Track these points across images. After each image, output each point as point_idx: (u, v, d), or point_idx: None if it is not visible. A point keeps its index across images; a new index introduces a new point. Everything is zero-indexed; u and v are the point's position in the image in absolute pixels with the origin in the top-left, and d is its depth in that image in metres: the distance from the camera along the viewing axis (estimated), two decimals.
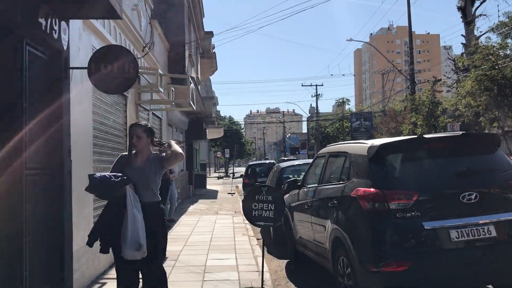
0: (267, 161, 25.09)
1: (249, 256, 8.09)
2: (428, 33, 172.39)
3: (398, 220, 4.39)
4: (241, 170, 55.43)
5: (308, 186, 6.83)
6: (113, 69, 5.27)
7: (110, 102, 8.04)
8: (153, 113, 12.20)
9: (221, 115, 67.49)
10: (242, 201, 6.00)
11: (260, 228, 6.87)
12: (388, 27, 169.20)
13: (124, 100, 9.05)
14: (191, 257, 7.97)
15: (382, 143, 4.89)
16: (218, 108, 65.03)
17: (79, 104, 6.00)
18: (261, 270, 6.34)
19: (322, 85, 59.42)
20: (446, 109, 25.63)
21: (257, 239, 10.22)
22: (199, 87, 21.38)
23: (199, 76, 25.02)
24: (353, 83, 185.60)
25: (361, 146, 5.21)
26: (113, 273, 6.84)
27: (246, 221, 12.93)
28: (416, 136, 4.90)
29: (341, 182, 5.40)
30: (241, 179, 29.09)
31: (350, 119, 51.33)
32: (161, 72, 9.41)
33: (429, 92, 25.13)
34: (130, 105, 9.45)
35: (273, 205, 5.67)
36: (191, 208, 17.00)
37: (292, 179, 7.69)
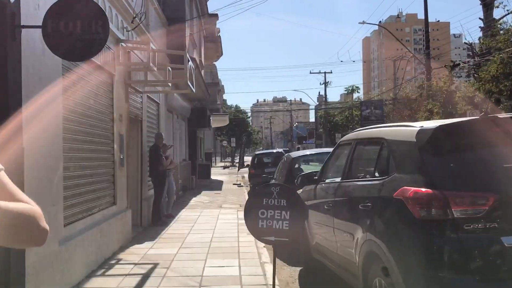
0: (275, 150, 23.81)
1: (255, 262, 6.84)
2: (438, 21, 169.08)
3: (466, 234, 3.10)
4: (248, 159, 54.26)
5: (328, 181, 5.55)
6: (76, 28, 3.98)
7: (91, 80, 6.76)
8: (148, 97, 10.93)
9: (228, 104, 66.14)
10: (245, 207, 4.77)
11: None
12: (397, 15, 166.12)
13: (109, 79, 7.77)
14: (186, 264, 6.73)
15: (438, 125, 3.57)
16: (224, 97, 63.70)
17: (40, 79, 4.73)
18: (272, 283, 5.09)
19: (331, 72, 57.41)
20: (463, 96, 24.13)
21: None
22: (202, 71, 20.05)
23: (202, 60, 23.67)
24: (361, 71, 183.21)
25: (406, 130, 3.90)
26: (91, 284, 5.64)
27: None
28: (485, 116, 3.57)
29: (376, 177, 4.11)
30: (247, 169, 27.88)
31: (360, 107, 49.87)
32: (153, 47, 8.13)
33: (447, 77, 23.64)
34: (118, 85, 8.17)
35: (288, 212, 4.35)
36: (193, 200, 15.78)
37: (306, 172, 6.35)
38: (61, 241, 5.22)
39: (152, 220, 10.32)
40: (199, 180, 22.59)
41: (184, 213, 12.36)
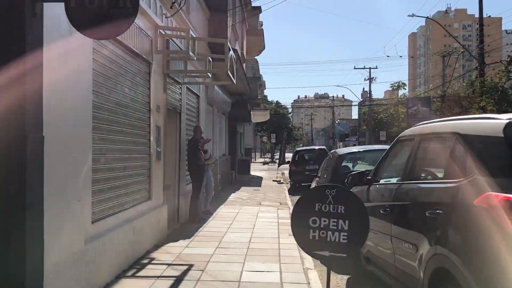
0: (317, 147, 23.08)
1: (297, 268, 6.24)
2: (489, 16, 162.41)
3: None
4: (289, 156, 53.51)
5: (383, 181, 4.89)
6: (102, 2, 3.51)
7: (126, 67, 6.35)
8: (188, 88, 10.51)
9: (268, 100, 65.49)
10: (292, 213, 4.15)
11: None
12: (446, 10, 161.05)
13: (146, 67, 7.35)
14: (223, 267, 6.23)
15: None
16: (265, 93, 63.10)
17: (65, 62, 4.31)
18: None
19: (376, 67, 55.99)
20: None
21: None
22: (244, 65, 19.58)
23: (244, 53, 23.20)
24: (407, 68, 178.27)
25: (489, 123, 3.22)
26: (119, 286, 5.23)
27: None
28: None
29: (448, 180, 3.44)
30: (286, 166, 27.26)
31: (406, 104, 48.13)
32: (193, 35, 7.65)
33: (503, 73, 22.17)
34: (156, 75, 7.75)
35: (347, 221, 3.67)
36: (232, 196, 15.34)
37: (357, 171, 5.68)
38: (88, 239, 4.81)
39: (190, 217, 9.91)
40: (239, 175, 22.19)
41: (222, 210, 11.91)
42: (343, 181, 7.57)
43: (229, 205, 12.98)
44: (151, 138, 7.46)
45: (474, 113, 23.54)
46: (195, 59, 7.82)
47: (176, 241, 7.85)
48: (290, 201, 14.44)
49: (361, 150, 8.23)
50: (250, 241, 7.95)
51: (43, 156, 3.73)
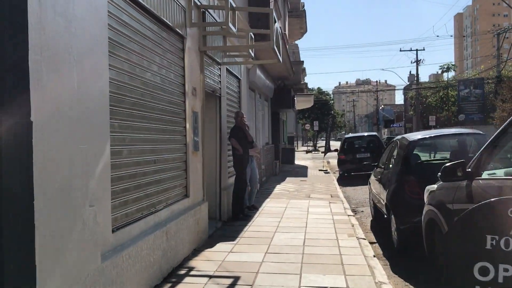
0: (366, 134, 21.56)
1: (368, 282, 5.03)
2: None
3: None
4: (332, 144, 51.72)
5: (497, 176, 3.61)
6: None
7: (155, 41, 5.28)
8: (228, 70, 9.41)
9: (309, 87, 63.61)
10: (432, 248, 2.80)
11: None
12: None
13: (179, 42, 6.27)
14: (275, 280, 5.10)
15: None
16: (305, 79, 61.29)
17: (66, 28, 3.26)
18: None
19: (424, 49, 52.96)
20: None
21: (370, 242, 7.14)
22: (287, 46, 18.30)
23: (287, 35, 21.89)
24: (452, 50, 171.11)
25: None
26: None
27: (349, 212, 9.89)
28: None
29: None
30: (332, 154, 25.88)
31: (457, 87, 45.40)
32: (232, 3, 6.50)
33: None
34: (191, 51, 6.66)
35: None
36: (278, 188, 14.21)
37: (452, 162, 4.34)
38: (107, 253, 3.79)
39: (233, 213, 8.85)
40: (282, 165, 21.03)
41: (268, 204, 10.79)
42: (417, 174, 6.29)
43: (276, 199, 11.85)
44: (187, 125, 6.40)
45: None
46: (235, 32, 6.68)
47: (218, 244, 6.80)
48: (341, 193, 13.18)
49: (437, 134, 6.82)
50: (305, 243, 6.79)
51: (31, 150, 2.69)
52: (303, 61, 24.86)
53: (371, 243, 7.15)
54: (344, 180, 17.16)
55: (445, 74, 59.35)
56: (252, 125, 13.54)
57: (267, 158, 16.36)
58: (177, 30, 6.05)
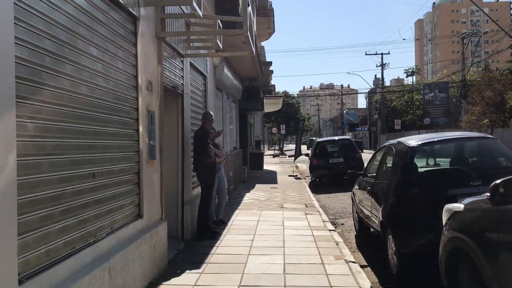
0: (337, 138, 20.65)
1: None
2: (497, 0, 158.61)
3: None
4: (293, 147, 50.73)
5: None
6: None
7: (95, 15, 4.00)
8: (192, 66, 8.16)
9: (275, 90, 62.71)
10: None
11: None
12: None
13: (131, 25, 5.00)
14: None
15: None
16: (272, 82, 60.33)
17: None
18: None
19: (389, 53, 53.01)
20: None
21: (361, 266, 6.03)
22: (257, 44, 17.17)
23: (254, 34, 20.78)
24: (413, 55, 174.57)
25: None
26: None
27: (330, 225, 8.79)
28: None
29: None
30: (302, 158, 24.89)
31: (422, 90, 45.43)
32: None
33: None
34: (146, 38, 5.40)
35: None
36: (247, 197, 13.01)
37: (506, 178, 3.19)
38: None
39: (198, 231, 7.59)
40: (251, 171, 19.85)
41: (238, 218, 9.57)
42: (421, 187, 5.23)
43: (246, 210, 10.64)
44: (140, 127, 5.13)
45: None
46: (200, 15, 5.45)
47: (180, 274, 5.53)
48: (316, 202, 12.10)
49: (441, 139, 5.74)
50: (285, 271, 5.60)
51: None
52: (271, 62, 23.78)
53: (362, 266, 6.04)
54: (317, 187, 16.12)
55: (410, 78, 59.81)
56: (220, 128, 12.31)
57: (235, 164, 15.15)
58: (127, 7, 4.78)
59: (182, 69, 7.32)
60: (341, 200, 12.73)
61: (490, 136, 5.77)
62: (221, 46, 7.40)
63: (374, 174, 6.63)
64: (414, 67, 53.59)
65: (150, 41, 5.58)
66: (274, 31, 27.93)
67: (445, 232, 3.89)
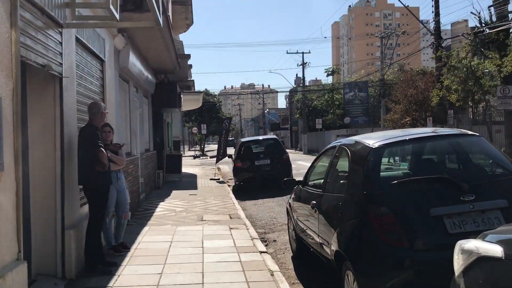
0: (263, 137, 19.14)
1: None
2: (407, 6, 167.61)
3: None
4: (215, 148, 48.92)
5: None
6: None
7: None
8: (82, 44, 6.18)
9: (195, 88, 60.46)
10: None
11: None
12: None
13: None
14: None
15: None
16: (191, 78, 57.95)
17: None
18: None
19: (309, 52, 52.71)
20: (487, 72, 20.13)
21: None
22: (171, 32, 15.20)
23: (171, 24, 18.74)
24: (330, 56, 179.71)
25: None
26: None
27: (260, 244, 7.16)
28: None
29: None
30: (227, 160, 23.23)
31: (343, 89, 45.61)
32: None
33: (468, 47, 19.56)
34: None
35: None
36: (161, 208, 11.09)
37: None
38: None
39: (87, 263, 5.62)
40: (168, 175, 17.81)
41: (146, 238, 7.66)
42: (394, 204, 3.74)
43: (157, 226, 8.75)
44: None
45: (437, 93, 20.81)
46: None
47: None
48: (242, 211, 10.47)
49: (411, 137, 4.24)
50: None
51: None
52: (189, 55, 21.83)
53: None
54: (242, 192, 14.47)
55: (329, 78, 60.25)
56: (125, 126, 10.28)
57: (147, 168, 13.11)
58: None
59: (61, 44, 5.32)
60: (270, 208, 11.21)
61: (473, 133, 4.42)
62: (117, 16, 5.48)
63: (321, 183, 5.06)
64: (334, 66, 53.91)
65: None
66: (192, 22, 25.94)
67: (458, 280, 2.38)
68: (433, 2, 23.42)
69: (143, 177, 12.38)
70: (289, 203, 6.48)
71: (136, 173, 10.70)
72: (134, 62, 10.39)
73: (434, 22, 23.40)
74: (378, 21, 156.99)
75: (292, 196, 6.46)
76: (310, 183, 5.61)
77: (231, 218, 9.56)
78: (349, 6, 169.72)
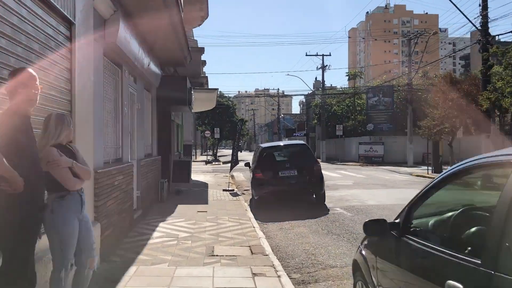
0: (290, 142, 16.29)
1: None
2: (426, 13, 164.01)
3: None
4: (229, 153, 46.31)
5: None
6: None
7: None
8: None
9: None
10: None
11: None
12: (385, 6, 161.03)
13: None
14: None
15: None
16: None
17: None
18: None
19: (330, 55, 49.95)
20: None
21: None
22: (182, 15, 12.64)
23: (182, 14, 16.25)
24: (347, 63, 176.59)
25: None
26: None
27: None
28: None
29: None
30: (241, 166, 20.59)
31: (366, 94, 42.73)
32: None
33: None
34: None
35: None
36: (159, 232, 8.49)
37: None
38: None
39: None
40: (174, 184, 15.21)
41: None
42: None
43: (148, 267, 6.12)
44: None
45: (488, 96, 17.96)
46: None
47: None
48: (265, 240, 7.83)
49: None
50: None
51: None
52: (203, 48, 19.34)
53: None
54: (262, 209, 11.71)
55: (347, 83, 57.50)
56: (114, 124, 7.72)
57: (146, 178, 10.52)
58: None
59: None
60: (302, 237, 8.54)
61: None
62: None
63: (467, 239, 2.38)
64: (355, 70, 50.96)
65: None
66: (208, 15, 23.35)
67: None
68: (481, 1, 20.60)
69: (140, 189, 9.81)
70: (363, 255, 3.78)
71: (128, 186, 8.12)
72: (128, 39, 7.84)
73: (481, 17, 20.60)
74: (396, 28, 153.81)
75: (365, 243, 3.80)
76: (421, 229, 2.93)
77: (252, 253, 6.92)
78: (367, 12, 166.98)
